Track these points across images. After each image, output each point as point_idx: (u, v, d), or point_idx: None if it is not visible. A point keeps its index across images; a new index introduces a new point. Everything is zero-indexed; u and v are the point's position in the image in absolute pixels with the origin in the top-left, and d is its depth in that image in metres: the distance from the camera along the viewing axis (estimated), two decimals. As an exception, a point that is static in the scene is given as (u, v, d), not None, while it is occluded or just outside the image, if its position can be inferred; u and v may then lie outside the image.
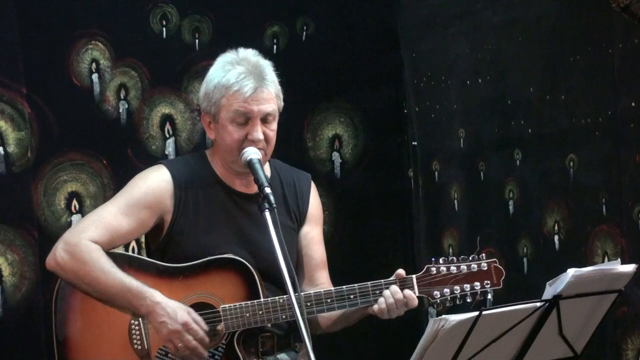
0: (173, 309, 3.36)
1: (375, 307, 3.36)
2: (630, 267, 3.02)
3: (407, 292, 3.35)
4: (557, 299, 2.93)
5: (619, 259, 3.13)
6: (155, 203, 3.48)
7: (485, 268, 3.38)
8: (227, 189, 3.53)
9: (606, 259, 4.09)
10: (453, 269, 3.38)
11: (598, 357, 4.03)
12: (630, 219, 4.00)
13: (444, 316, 2.80)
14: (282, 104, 3.49)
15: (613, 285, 3.02)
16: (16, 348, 4.39)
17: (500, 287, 3.39)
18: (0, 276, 4.39)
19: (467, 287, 3.37)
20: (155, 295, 3.37)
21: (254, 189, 3.42)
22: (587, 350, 3.12)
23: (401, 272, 3.39)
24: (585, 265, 3.06)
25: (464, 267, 3.37)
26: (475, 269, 3.37)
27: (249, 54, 3.48)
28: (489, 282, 3.37)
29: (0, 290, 4.39)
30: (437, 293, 3.37)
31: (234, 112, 3.41)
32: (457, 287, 3.37)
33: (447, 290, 3.36)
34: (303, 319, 2.98)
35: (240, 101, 3.40)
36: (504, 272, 3.39)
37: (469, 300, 3.37)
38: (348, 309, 3.44)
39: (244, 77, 3.40)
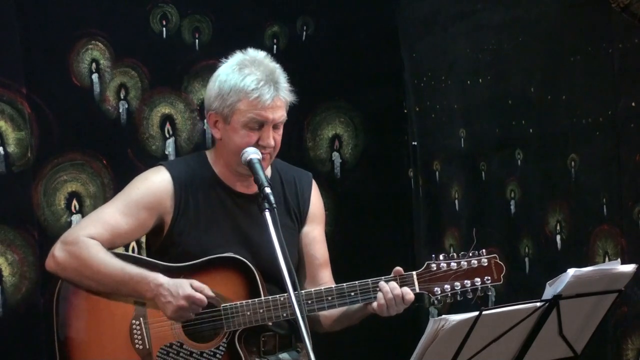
0: (174, 286, 3.35)
1: (375, 304, 3.36)
2: (630, 267, 3.01)
3: (405, 288, 3.35)
4: (557, 299, 2.92)
5: (619, 259, 3.13)
6: (155, 204, 3.48)
7: (486, 264, 3.37)
8: (227, 189, 3.52)
9: (607, 258, 4.09)
10: (453, 265, 3.37)
11: (598, 357, 4.03)
12: (630, 219, 3.99)
13: (444, 316, 2.79)
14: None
15: (613, 285, 3.02)
16: (16, 348, 4.38)
17: (501, 282, 3.38)
18: (0, 276, 4.39)
19: (467, 282, 3.36)
20: (158, 278, 3.37)
21: (255, 189, 3.42)
22: (587, 350, 3.12)
23: (399, 269, 3.39)
24: (587, 265, 3.05)
25: (464, 263, 3.37)
26: (476, 265, 3.37)
27: (262, 56, 3.48)
28: (489, 277, 3.36)
29: (0, 290, 4.39)
30: (437, 289, 3.36)
31: (250, 118, 3.40)
32: (457, 283, 3.36)
33: (447, 287, 3.36)
34: (303, 318, 2.98)
35: (259, 108, 3.39)
36: (504, 267, 3.38)
37: (469, 296, 3.37)
38: (349, 308, 3.45)
39: (263, 84, 3.39)
